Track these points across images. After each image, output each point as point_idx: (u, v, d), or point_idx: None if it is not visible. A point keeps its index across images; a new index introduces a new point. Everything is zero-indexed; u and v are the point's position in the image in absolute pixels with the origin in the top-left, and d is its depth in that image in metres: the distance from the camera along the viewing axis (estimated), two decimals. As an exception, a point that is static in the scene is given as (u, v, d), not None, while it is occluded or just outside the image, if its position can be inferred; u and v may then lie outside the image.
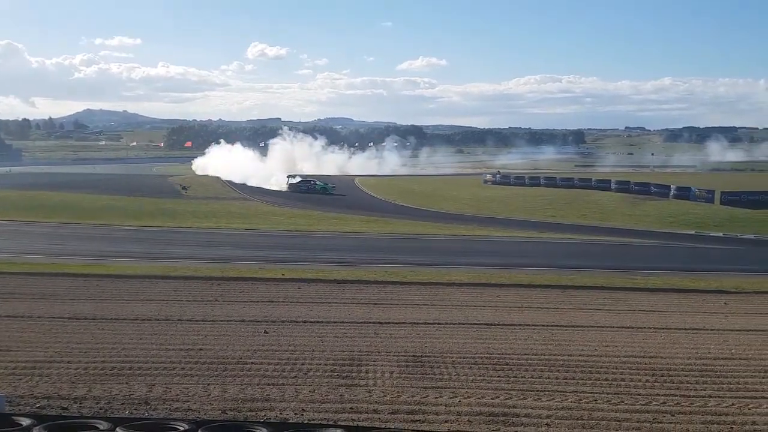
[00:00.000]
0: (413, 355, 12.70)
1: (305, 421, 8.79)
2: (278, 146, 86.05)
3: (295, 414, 9.28)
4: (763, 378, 11.87)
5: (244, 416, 8.94)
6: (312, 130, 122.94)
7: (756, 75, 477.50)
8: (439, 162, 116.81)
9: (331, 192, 59.85)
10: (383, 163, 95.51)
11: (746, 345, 14.30)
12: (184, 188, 60.03)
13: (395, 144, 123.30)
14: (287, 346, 13.24)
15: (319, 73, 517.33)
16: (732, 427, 9.31)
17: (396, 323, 15.73)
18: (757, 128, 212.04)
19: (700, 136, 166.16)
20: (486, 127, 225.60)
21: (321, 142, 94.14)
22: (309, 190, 59.68)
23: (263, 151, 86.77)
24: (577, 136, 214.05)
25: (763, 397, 10.75)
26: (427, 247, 32.67)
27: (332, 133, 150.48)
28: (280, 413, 9.29)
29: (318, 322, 15.58)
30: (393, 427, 8.44)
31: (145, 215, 42.89)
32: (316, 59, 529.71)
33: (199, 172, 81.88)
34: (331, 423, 8.38)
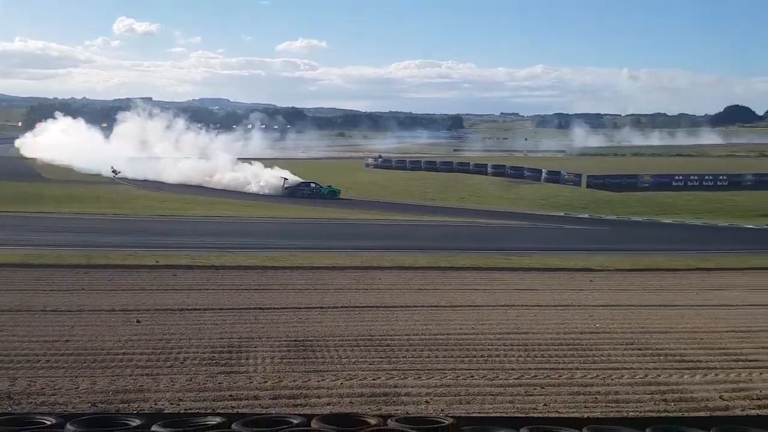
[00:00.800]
0: (295, 340, 12.71)
1: (182, 411, 8.59)
2: (126, 125, 72.86)
3: (171, 404, 9.06)
4: (624, 350, 12.79)
5: (115, 408, 8.62)
6: (186, 110, 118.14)
7: (619, 64, 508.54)
8: (316, 146, 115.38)
9: (338, 196, 48.86)
10: (249, 145, 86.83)
11: (610, 319, 15.35)
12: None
13: (263, 126, 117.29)
14: (161, 335, 12.86)
15: (192, 52, 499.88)
16: (597, 397, 9.99)
17: (277, 308, 15.64)
18: (619, 115, 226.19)
19: (568, 122, 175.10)
20: (367, 111, 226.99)
21: (182, 121, 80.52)
22: (312, 195, 48.14)
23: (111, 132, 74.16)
24: (456, 121, 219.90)
25: (625, 368, 11.59)
26: (309, 231, 32.61)
27: (208, 114, 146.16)
28: (155, 404, 9.04)
29: (195, 309, 15.22)
30: (274, 412, 8.42)
31: (0, 200, 40.03)
32: (190, 37, 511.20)
33: (26, 154, 73.63)
34: (209, 411, 8.24)
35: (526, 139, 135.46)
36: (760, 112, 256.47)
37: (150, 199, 44.36)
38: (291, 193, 48.63)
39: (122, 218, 34.66)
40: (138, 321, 13.89)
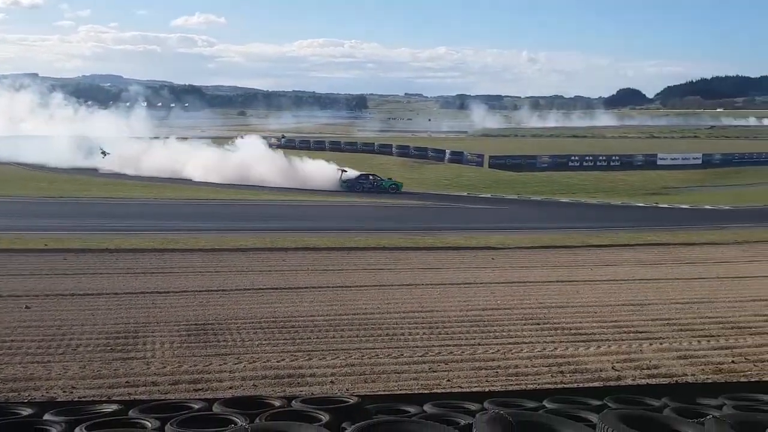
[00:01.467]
0: (195, 324, 12.45)
1: (75, 399, 8.25)
2: None
3: (64, 392, 8.70)
4: (524, 325, 13.25)
5: (5, 397, 8.19)
6: (76, 87, 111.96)
7: (519, 47, 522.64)
8: (209, 125, 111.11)
9: (401, 190, 44.06)
10: (133, 124, 76.50)
11: (510, 296, 15.86)
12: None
13: (144, 103, 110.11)
14: (53, 321, 12.30)
15: (82, 25, 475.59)
16: (498, 371, 10.33)
17: (176, 292, 15.25)
18: (519, 96, 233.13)
19: (470, 103, 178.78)
20: (269, 90, 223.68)
21: (54, 96, 75.11)
22: (372, 189, 43.57)
23: None
24: (360, 101, 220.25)
25: (524, 343, 12.03)
26: (210, 213, 31.87)
27: (99, 91, 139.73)
28: (47, 392, 8.66)
29: (88, 294, 14.63)
30: (173, 398, 8.21)
31: None
32: (78, 10, 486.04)
33: None
34: (105, 399, 7.94)
35: (429, 120, 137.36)
36: (650, 95, 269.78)
37: (39, 180, 42.13)
38: (350, 186, 43.86)
39: (9, 199, 32.78)
40: (27, 307, 13.23)
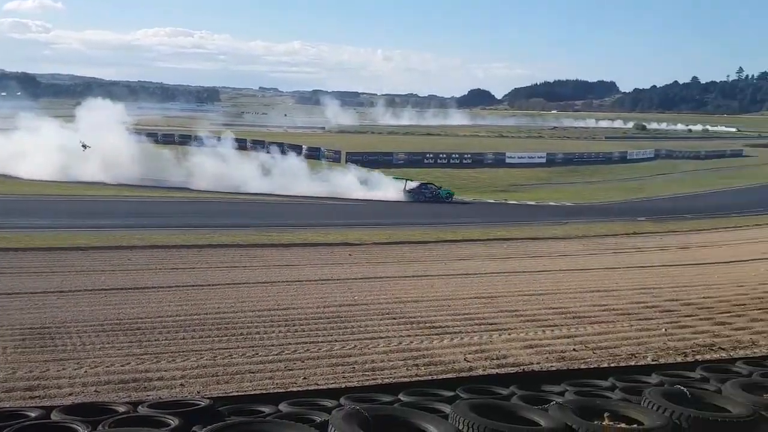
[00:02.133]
0: (31, 328, 11.60)
1: None
2: None
3: None
4: (380, 320, 13.46)
5: None
6: None
7: (374, 45, 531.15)
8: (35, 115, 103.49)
9: (453, 199, 43.11)
10: None
11: (367, 291, 16.06)
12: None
13: None
14: None
15: None
16: (354, 367, 10.41)
17: (9, 294, 14.16)
18: (376, 94, 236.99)
19: (327, 99, 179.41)
20: (112, 79, 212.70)
21: None
22: (432, 199, 42.22)
23: None
24: (212, 94, 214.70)
25: (380, 337, 12.21)
26: (44, 209, 29.83)
27: None
28: None
29: None
30: (8, 406, 7.60)
31: None
32: None
33: None
34: None
35: (286, 115, 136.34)
36: (499, 96, 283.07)
37: None
38: (414, 196, 42.53)
39: None
40: None
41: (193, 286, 16.01)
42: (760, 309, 15.15)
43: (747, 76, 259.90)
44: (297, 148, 59.92)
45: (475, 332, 12.84)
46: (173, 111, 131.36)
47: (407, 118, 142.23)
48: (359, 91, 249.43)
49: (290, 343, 11.49)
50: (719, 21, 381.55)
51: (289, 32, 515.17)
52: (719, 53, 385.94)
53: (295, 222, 28.96)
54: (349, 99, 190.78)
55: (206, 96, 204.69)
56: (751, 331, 13.24)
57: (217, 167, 43.55)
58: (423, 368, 10.49)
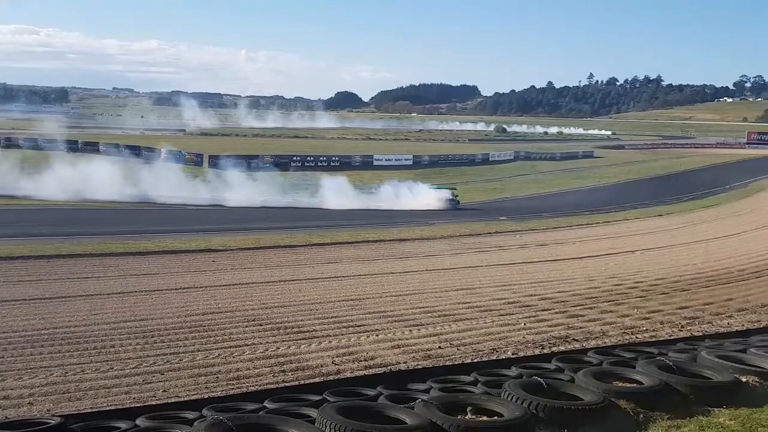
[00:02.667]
0: None
1: None
2: None
3: None
4: (246, 327, 13.26)
5: None
6: None
7: (238, 45, 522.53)
8: None
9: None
10: None
11: (231, 298, 15.76)
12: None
13: None
14: None
15: None
16: (218, 377, 10.20)
17: None
18: (239, 95, 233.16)
19: (188, 100, 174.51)
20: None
21: None
22: (458, 208, 41.85)
23: None
24: (60, 95, 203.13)
25: (246, 345, 12.04)
26: None
27: None
28: None
29: None
30: None
31: None
32: None
33: None
34: None
35: (142, 117, 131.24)
36: (366, 99, 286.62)
37: None
38: (452, 204, 41.97)
39: None
40: None
41: (41, 299, 15.07)
42: (609, 301, 16.27)
43: (597, 81, 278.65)
44: (155, 152, 57.87)
45: (343, 335, 12.93)
46: (14, 113, 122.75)
47: (272, 120, 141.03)
48: (222, 93, 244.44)
49: (149, 356, 11.08)
50: (572, 29, 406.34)
51: (146, 30, 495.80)
52: (572, 60, 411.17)
53: (154, 229, 27.92)
54: (211, 100, 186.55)
55: (53, 97, 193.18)
56: (602, 322, 14.18)
57: (65, 172, 41.22)
58: (290, 374, 10.44)
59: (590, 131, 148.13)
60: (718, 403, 7.84)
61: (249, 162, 57.26)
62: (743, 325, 13.83)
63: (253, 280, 18.16)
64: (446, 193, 43.63)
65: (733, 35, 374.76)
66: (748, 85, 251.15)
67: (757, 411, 7.57)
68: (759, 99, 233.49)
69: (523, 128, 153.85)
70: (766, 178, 60.64)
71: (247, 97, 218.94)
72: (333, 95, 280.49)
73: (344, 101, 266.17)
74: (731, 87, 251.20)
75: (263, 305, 15.13)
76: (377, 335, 12.99)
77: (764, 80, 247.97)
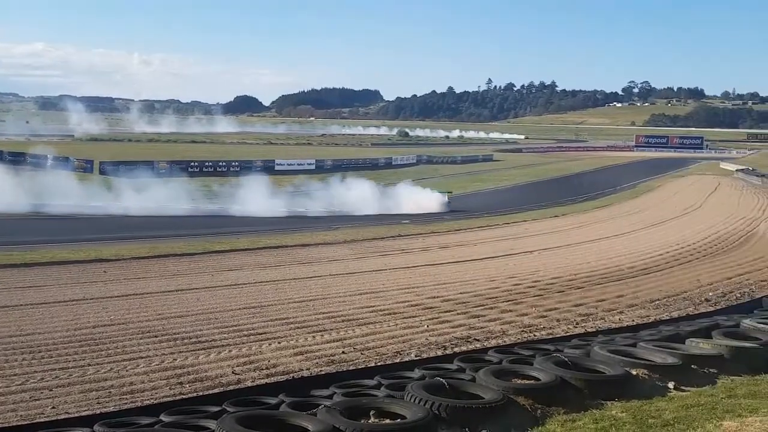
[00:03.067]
0: None
1: None
2: None
3: None
4: (140, 339, 12.84)
5: None
6: None
7: (130, 48, 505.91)
8: None
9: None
10: None
11: (125, 310, 15.20)
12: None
13: None
14: None
15: None
16: (111, 391, 9.83)
17: None
18: (133, 99, 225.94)
19: (76, 104, 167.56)
20: None
21: None
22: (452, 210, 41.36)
23: None
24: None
25: (141, 357, 11.66)
26: None
27: None
28: None
29: None
30: None
31: None
32: None
33: None
34: None
35: (27, 122, 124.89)
36: (266, 103, 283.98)
37: None
38: (449, 206, 41.98)
39: None
40: None
41: None
42: (508, 301, 16.74)
43: (495, 86, 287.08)
44: (41, 158, 55.18)
45: (243, 344, 12.73)
46: None
47: (167, 125, 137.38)
48: (114, 97, 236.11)
49: (36, 372, 10.56)
50: (471, 35, 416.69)
51: (30, 33, 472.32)
52: (471, 66, 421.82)
53: (41, 239, 26.59)
54: (102, 105, 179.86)
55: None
56: (502, 322, 14.57)
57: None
58: (188, 386, 10.19)
59: (505, 135, 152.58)
60: (610, 396, 8.20)
61: (143, 168, 55.46)
62: (633, 321, 14.55)
63: (148, 290, 17.59)
64: (443, 197, 43.86)
65: (622, 43, 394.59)
66: (635, 90, 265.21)
67: (647, 403, 7.96)
68: (646, 104, 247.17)
69: (426, 132, 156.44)
70: (654, 179, 64.14)
71: (140, 101, 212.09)
72: (232, 99, 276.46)
73: (244, 105, 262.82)
74: (620, 92, 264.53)
75: (159, 316, 14.69)
76: (279, 342, 12.86)
77: (650, 86, 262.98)
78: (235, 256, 23.79)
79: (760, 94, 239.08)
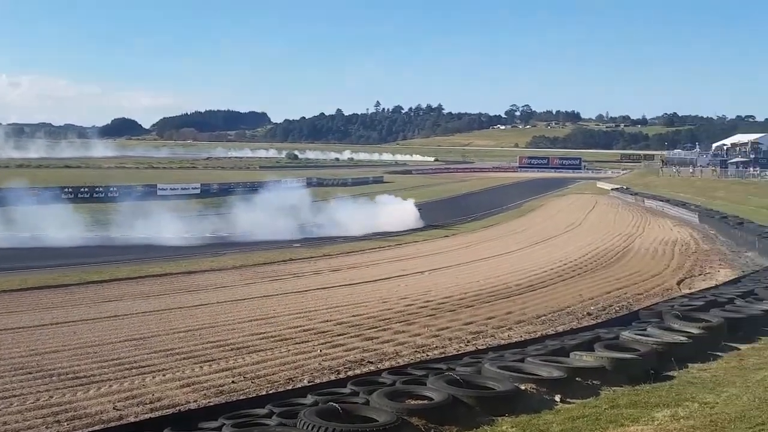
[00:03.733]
0: None
1: None
2: None
3: None
4: (13, 377, 12.14)
5: None
6: None
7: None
8: None
9: None
10: None
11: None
12: None
13: None
14: None
15: None
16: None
17: None
18: (0, 123, 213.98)
19: None
20: None
21: None
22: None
23: None
24: None
25: (14, 396, 11.05)
26: None
27: None
28: None
29: None
30: None
31: None
32: None
33: None
34: None
35: None
36: (147, 126, 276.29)
37: None
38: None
39: None
40: None
41: None
42: (401, 322, 16.92)
43: (384, 109, 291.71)
44: None
45: (125, 378, 12.24)
46: None
47: (36, 149, 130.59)
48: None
49: None
50: (359, 58, 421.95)
51: None
52: (360, 88, 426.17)
53: None
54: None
55: None
56: (395, 343, 14.70)
57: None
58: (66, 424, 9.71)
59: (407, 157, 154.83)
60: (501, 412, 8.42)
61: (12, 195, 52.41)
62: (521, 336, 15.03)
63: (20, 325, 16.60)
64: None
65: (505, 68, 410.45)
66: (518, 113, 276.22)
67: (535, 417, 8.23)
68: (527, 126, 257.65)
69: (316, 154, 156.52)
70: (537, 198, 66.81)
71: (9, 125, 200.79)
72: (110, 122, 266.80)
73: (123, 128, 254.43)
74: (503, 115, 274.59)
75: (32, 351, 13.90)
76: (164, 375, 12.44)
77: (531, 109, 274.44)
78: (115, 285, 22.88)
79: (631, 117, 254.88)
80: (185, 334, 15.78)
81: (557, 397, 9.11)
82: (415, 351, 14.00)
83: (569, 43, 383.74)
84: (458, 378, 9.25)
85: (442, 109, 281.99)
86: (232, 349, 14.31)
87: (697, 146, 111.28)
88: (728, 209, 46.04)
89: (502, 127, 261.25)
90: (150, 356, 13.74)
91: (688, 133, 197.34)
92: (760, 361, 10.61)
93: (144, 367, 12.96)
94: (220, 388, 11.52)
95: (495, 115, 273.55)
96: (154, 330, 16.24)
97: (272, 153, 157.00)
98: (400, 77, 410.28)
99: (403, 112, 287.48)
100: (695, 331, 12.17)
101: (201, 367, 13.01)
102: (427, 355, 13.40)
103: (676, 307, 14.82)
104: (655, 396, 8.68)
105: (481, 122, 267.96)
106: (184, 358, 13.56)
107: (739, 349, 11.88)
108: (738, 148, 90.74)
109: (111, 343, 14.85)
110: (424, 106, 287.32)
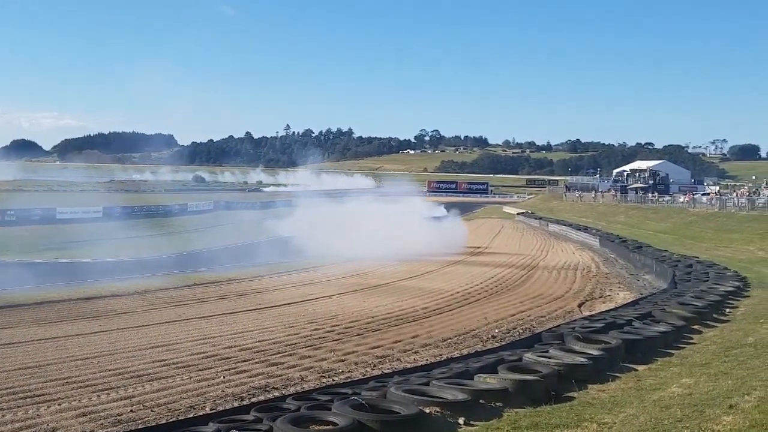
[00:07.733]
0: None
1: None
2: None
3: None
4: None
5: None
6: None
7: None
8: None
9: None
10: None
11: None
12: None
13: None
14: None
15: None
16: None
17: None
18: None
19: None
20: None
21: None
22: None
23: None
24: None
25: None
26: None
27: None
28: None
29: None
30: None
31: None
32: None
33: None
34: None
35: None
36: (47, 147, 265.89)
37: None
38: None
39: None
40: None
41: None
42: (308, 347, 16.81)
43: (294, 132, 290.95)
44: None
45: (18, 407, 11.69)
46: None
47: None
48: None
49: None
50: (267, 81, 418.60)
51: None
52: (269, 112, 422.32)
53: None
54: None
55: None
56: (301, 368, 14.59)
57: None
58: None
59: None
60: (405, 435, 8.47)
61: None
62: (427, 360, 15.19)
63: None
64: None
65: (414, 93, 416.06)
66: (427, 138, 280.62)
67: (439, 438, 8.32)
68: (437, 151, 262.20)
69: (225, 177, 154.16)
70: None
71: None
72: (8, 143, 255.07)
73: (21, 150, 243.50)
74: (413, 140, 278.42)
75: None
76: (59, 404, 11.91)
77: (440, 134, 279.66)
78: (8, 312, 21.78)
79: (537, 143, 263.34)
80: (83, 361, 15.17)
81: (461, 420, 9.24)
82: (321, 376, 13.93)
83: (477, 70, 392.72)
84: (363, 402, 9.26)
85: (353, 132, 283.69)
86: (131, 377, 13.84)
87: (599, 172, 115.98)
88: (628, 233, 48.18)
89: (412, 152, 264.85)
90: (44, 385, 13.13)
91: (590, 159, 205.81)
92: (656, 382, 11.04)
93: (38, 396, 12.37)
94: (118, 418, 11.11)
95: (405, 140, 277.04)
96: (50, 358, 15.53)
97: (180, 175, 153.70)
98: (311, 101, 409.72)
99: (313, 135, 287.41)
100: (595, 352, 12.58)
101: (99, 395, 12.52)
102: (333, 380, 13.34)
103: (577, 329, 15.29)
104: (555, 417, 8.91)
105: (391, 146, 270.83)
106: (81, 387, 13.02)
107: (636, 370, 12.34)
108: (637, 174, 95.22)
109: (4, 371, 14.12)
110: (334, 129, 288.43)
